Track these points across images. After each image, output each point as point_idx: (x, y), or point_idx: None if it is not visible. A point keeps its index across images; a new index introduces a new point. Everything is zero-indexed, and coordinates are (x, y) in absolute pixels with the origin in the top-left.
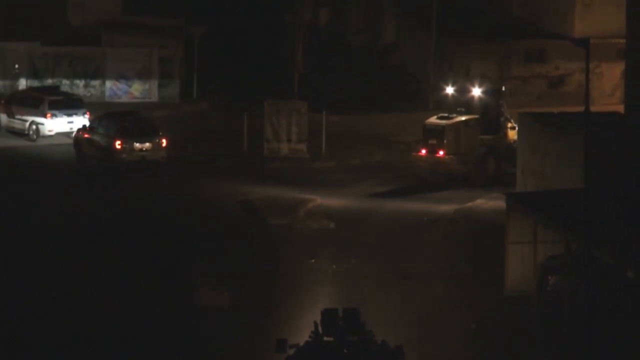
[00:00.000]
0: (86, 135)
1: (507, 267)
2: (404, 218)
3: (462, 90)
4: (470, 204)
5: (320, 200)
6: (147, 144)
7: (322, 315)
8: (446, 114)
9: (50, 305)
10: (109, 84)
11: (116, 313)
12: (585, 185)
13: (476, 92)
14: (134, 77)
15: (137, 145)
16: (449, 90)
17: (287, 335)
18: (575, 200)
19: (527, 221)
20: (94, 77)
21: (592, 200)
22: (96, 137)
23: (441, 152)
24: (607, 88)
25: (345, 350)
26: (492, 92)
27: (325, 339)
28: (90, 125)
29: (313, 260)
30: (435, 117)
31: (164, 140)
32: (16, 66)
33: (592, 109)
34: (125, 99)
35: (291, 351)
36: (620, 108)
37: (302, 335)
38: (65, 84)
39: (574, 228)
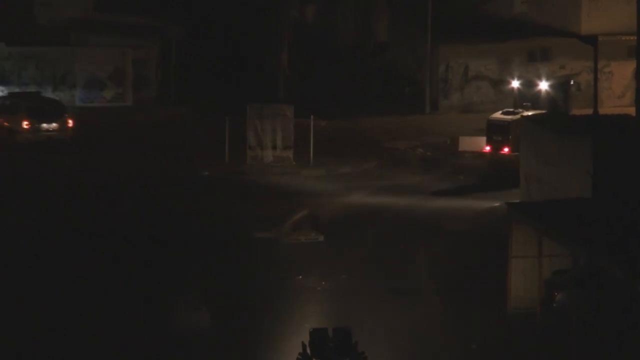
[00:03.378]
0: None
1: (509, 282)
2: (400, 230)
3: (529, 84)
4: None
5: (308, 211)
6: (54, 124)
7: (310, 336)
8: (511, 109)
9: None
10: (79, 87)
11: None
12: (593, 193)
13: (543, 85)
14: (106, 79)
15: (44, 125)
16: (514, 83)
17: (273, 359)
18: (583, 210)
19: (531, 233)
20: (63, 81)
21: (601, 210)
22: (1, 118)
23: (506, 149)
24: (617, 89)
25: None
26: (561, 86)
27: None
28: None
29: (300, 277)
30: (500, 112)
31: (70, 121)
32: None
33: (601, 111)
34: (97, 103)
35: None
36: (632, 110)
37: (289, 358)
38: (32, 88)
39: (582, 240)
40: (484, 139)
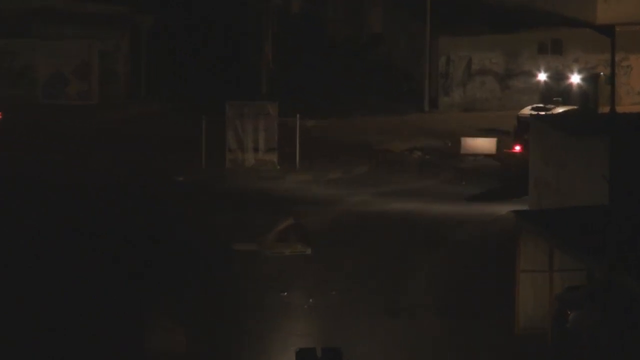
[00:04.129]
0: None
1: (517, 300)
2: (396, 241)
3: (558, 77)
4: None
5: (294, 221)
6: None
7: (296, 356)
8: (541, 105)
9: None
10: (41, 83)
11: None
12: (610, 200)
13: (575, 79)
14: (70, 74)
15: None
16: (541, 76)
17: None
18: (598, 219)
19: (541, 245)
20: (21, 75)
21: (619, 219)
22: None
23: None
24: (637, 84)
25: None
26: (592, 79)
27: None
28: None
29: (285, 293)
30: (530, 107)
31: None
32: None
33: (619, 109)
34: (62, 100)
35: None
36: None
37: None
38: None
39: (598, 253)
40: (489, 140)
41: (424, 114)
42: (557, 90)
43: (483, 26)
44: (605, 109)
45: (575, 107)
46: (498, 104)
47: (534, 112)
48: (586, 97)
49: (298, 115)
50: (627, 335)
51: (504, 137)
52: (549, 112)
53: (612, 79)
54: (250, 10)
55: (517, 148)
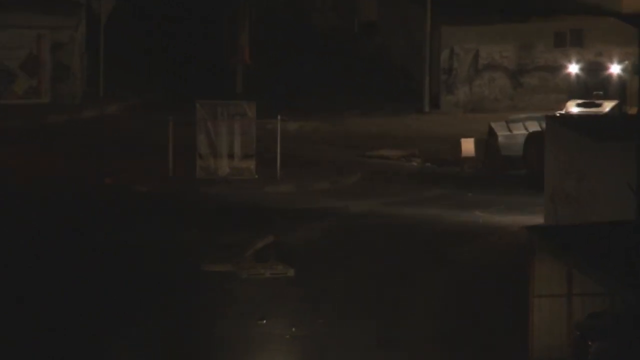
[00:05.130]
0: None
1: (532, 328)
2: (391, 261)
3: (595, 68)
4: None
5: (274, 238)
6: None
7: None
8: (586, 100)
9: None
10: None
11: None
12: (638, 215)
13: (615, 69)
14: (17, 69)
15: None
16: (573, 68)
17: None
18: (625, 235)
19: (559, 266)
20: None
21: None
22: None
23: None
24: None
25: None
26: (634, 69)
27: None
28: None
29: (264, 322)
30: (574, 103)
31: None
32: None
33: None
34: (5, 99)
35: None
36: None
37: None
38: None
39: (625, 275)
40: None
41: (423, 115)
42: (590, 84)
43: (492, 14)
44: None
45: (616, 101)
46: (509, 104)
47: (584, 109)
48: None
49: (279, 117)
50: None
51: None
52: (598, 110)
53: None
54: None
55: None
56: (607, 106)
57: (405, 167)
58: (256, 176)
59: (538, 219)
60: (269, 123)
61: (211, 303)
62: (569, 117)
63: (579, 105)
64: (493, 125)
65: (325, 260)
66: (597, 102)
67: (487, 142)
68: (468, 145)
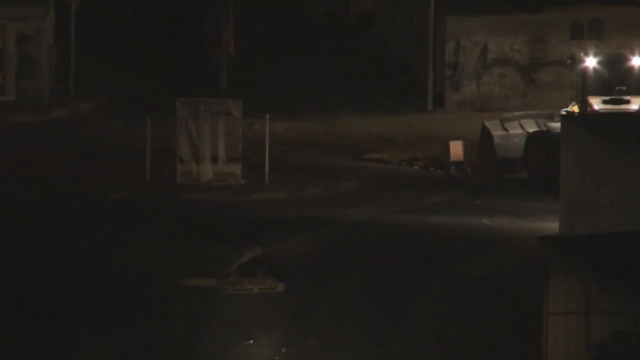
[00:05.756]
0: None
1: (546, 349)
2: (389, 274)
3: (616, 59)
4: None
5: (262, 250)
6: None
7: None
8: (614, 97)
9: None
10: None
11: None
12: None
13: (637, 61)
14: None
15: None
16: (590, 62)
17: None
18: None
19: (576, 281)
20: None
21: None
22: None
23: None
24: None
25: None
26: None
27: None
28: None
29: (251, 341)
30: (600, 100)
31: None
32: None
33: None
34: None
35: None
36: None
37: None
38: None
39: None
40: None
41: (426, 115)
42: (609, 79)
43: (502, 3)
44: None
45: None
46: (521, 102)
47: (613, 107)
48: None
49: (268, 116)
50: None
51: None
52: (627, 107)
53: None
54: None
55: None
56: (636, 102)
57: (406, 171)
58: (242, 182)
59: (549, 226)
60: (257, 123)
61: (193, 322)
62: (588, 117)
63: (605, 102)
64: (487, 124)
65: (318, 274)
66: (624, 98)
67: (481, 144)
68: (456, 148)
